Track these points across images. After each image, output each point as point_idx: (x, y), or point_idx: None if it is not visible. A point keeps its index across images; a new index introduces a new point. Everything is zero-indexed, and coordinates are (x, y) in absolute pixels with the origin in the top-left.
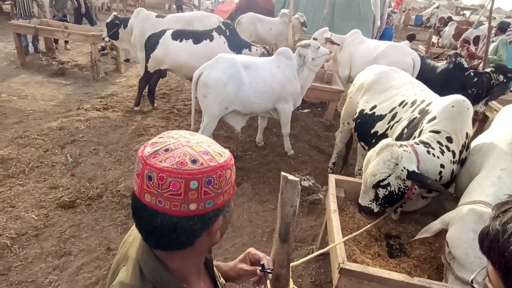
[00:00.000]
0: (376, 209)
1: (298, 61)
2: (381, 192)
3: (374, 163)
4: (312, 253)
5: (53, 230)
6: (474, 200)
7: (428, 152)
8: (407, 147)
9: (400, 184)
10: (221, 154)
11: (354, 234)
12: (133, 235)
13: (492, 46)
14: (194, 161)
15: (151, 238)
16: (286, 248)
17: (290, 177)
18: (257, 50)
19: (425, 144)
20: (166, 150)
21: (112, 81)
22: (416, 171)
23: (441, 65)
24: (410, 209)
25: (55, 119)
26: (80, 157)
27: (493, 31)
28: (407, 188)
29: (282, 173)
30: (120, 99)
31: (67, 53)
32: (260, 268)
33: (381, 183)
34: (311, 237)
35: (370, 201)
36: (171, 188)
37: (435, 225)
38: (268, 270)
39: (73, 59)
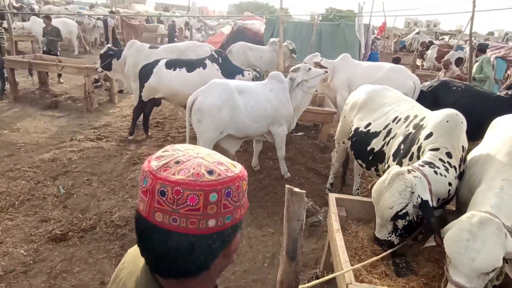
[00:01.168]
0: (396, 241)
1: (290, 85)
2: (401, 223)
3: (389, 195)
4: (316, 276)
5: (43, 266)
6: (485, 211)
7: (435, 172)
8: (416, 172)
9: (418, 212)
10: (235, 165)
11: (367, 262)
12: (128, 267)
13: (475, 65)
14: (210, 172)
15: (164, 264)
16: (294, 266)
17: (296, 189)
18: (249, 74)
19: (430, 164)
20: (177, 162)
21: (105, 111)
22: (429, 201)
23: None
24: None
25: (47, 151)
26: (73, 188)
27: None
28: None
29: (287, 186)
30: (114, 129)
31: (60, 86)
32: None
33: (399, 214)
34: (314, 261)
35: (389, 233)
36: (188, 203)
37: (443, 233)
38: None
39: (66, 92)
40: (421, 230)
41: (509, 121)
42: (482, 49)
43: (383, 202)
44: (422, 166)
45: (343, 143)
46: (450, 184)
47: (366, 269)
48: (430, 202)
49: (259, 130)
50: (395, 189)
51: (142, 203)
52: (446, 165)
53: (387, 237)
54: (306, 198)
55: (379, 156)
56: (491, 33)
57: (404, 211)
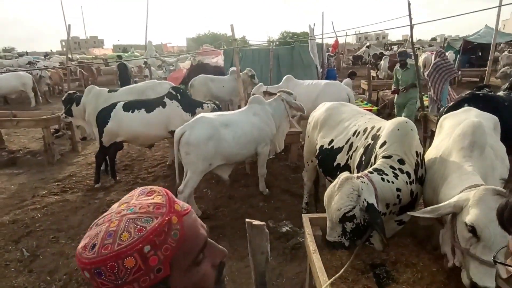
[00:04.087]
0: (346, 243)
1: (278, 105)
2: (349, 225)
3: (338, 197)
4: None
5: None
6: (476, 184)
7: (383, 179)
8: (364, 178)
9: (365, 215)
10: (131, 234)
11: (339, 273)
12: None
13: (411, 72)
14: (93, 247)
15: None
16: None
17: (255, 222)
18: (208, 106)
19: (379, 171)
20: (96, 224)
21: (69, 161)
22: (375, 204)
23: None
24: (387, 236)
25: (7, 212)
26: (38, 249)
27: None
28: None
29: (247, 220)
30: (79, 179)
31: (18, 141)
32: None
33: (347, 215)
34: (299, 285)
35: (339, 236)
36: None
37: (445, 208)
38: None
39: (25, 147)
40: (370, 233)
41: (452, 119)
42: (404, 62)
43: (332, 205)
44: (371, 173)
45: (312, 161)
46: (399, 189)
47: (348, 285)
48: (376, 206)
49: (248, 154)
50: (343, 192)
51: None
52: (397, 171)
53: (337, 239)
54: (285, 221)
55: (346, 170)
56: (434, 39)
57: (351, 213)
